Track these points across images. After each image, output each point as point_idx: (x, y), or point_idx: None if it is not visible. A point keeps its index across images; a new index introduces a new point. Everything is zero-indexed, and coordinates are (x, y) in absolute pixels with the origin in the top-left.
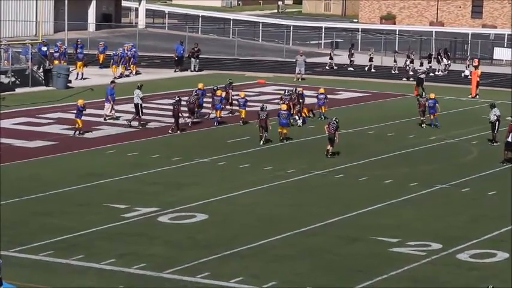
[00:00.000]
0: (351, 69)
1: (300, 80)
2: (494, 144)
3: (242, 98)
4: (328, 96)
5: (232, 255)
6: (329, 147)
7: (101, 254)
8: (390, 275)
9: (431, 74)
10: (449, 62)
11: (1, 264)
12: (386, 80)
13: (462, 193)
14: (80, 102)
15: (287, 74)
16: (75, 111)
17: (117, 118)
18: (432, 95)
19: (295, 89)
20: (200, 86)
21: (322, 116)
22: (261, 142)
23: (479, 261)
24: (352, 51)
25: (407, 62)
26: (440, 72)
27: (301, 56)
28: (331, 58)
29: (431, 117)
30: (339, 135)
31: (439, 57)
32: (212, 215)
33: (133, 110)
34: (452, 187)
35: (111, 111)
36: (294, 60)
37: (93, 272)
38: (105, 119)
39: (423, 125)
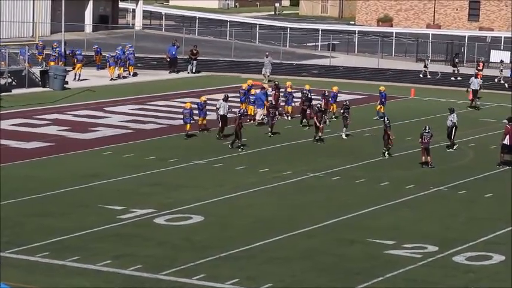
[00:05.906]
0: (460, 78)
1: (267, 81)
2: (450, 149)
3: (335, 92)
4: None
5: (228, 257)
6: (425, 158)
7: (97, 255)
8: (386, 277)
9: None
10: None
11: None
12: (384, 82)
13: (459, 195)
14: (202, 98)
15: (283, 76)
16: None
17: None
18: (382, 88)
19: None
20: (244, 86)
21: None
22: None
23: (476, 264)
24: (457, 60)
25: (502, 67)
26: None
27: (267, 57)
28: (425, 66)
29: (382, 108)
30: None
31: None
32: (208, 217)
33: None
34: (449, 189)
35: (260, 116)
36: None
37: (89, 273)
38: (257, 124)
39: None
